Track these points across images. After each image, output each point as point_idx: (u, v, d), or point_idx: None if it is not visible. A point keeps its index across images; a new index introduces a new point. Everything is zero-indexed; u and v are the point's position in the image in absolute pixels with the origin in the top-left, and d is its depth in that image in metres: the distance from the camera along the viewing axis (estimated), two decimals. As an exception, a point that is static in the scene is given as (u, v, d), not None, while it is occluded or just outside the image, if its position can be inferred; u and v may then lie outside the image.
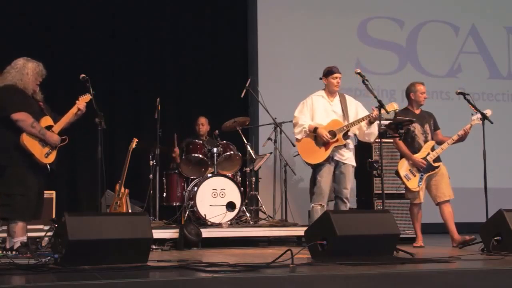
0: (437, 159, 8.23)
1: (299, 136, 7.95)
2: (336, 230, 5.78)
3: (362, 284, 4.80)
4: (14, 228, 6.40)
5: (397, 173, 8.31)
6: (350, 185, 7.99)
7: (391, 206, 8.44)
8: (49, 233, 6.79)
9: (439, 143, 8.30)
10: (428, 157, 8.15)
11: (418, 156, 8.16)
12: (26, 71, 6.57)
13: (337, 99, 8.12)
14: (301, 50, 11.49)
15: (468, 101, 8.15)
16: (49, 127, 6.63)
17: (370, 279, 4.85)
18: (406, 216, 8.86)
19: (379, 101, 7.54)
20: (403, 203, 8.95)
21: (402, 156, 8.32)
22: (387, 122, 8.81)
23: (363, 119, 7.84)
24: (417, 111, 8.42)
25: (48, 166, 6.60)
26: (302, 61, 11.39)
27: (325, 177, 7.85)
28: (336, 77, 8.08)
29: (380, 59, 12.00)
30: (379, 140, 7.98)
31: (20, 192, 6.38)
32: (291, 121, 9.79)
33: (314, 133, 7.83)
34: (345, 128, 7.85)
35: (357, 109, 8.07)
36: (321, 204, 7.80)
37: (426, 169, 8.15)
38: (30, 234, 6.97)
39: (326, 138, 7.75)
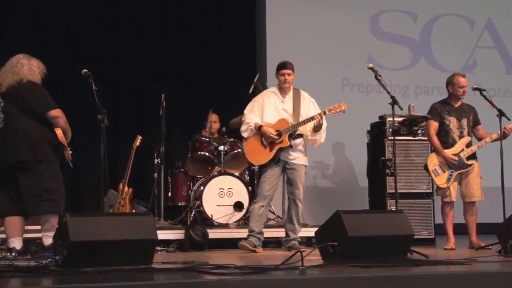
0: (472, 157, 8.13)
1: (245, 135, 7.87)
2: (347, 231, 5.75)
3: (375, 287, 4.78)
4: (52, 222, 6.59)
5: (425, 167, 8.27)
6: (302, 185, 7.92)
7: (404, 206, 8.39)
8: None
9: (480, 139, 8.23)
10: (461, 154, 8.07)
11: (450, 152, 8.10)
12: (35, 69, 6.74)
13: (289, 96, 7.95)
14: (311, 44, 11.45)
15: (485, 97, 8.09)
16: None
17: (382, 282, 4.83)
18: (420, 216, 8.88)
19: (392, 97, 7.52)
20: (417, 203, 8.95)
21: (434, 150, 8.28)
22: (400, 119, 8.80)
23: (309, 119, 7.69)
24: (456, 104, 8.32)
25: (70, 163, 6.83)
26: (312, 56, 11.37)
27: (269, 179, 7.79)
28: (284, 74, 7.89)
29: (393, 54, 11.95)
30: (392, 137, 7.95)
31: (57, 186, 6.66)
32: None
33: (258, 131, 7.76)
34: (290, 129, 7.73)
35: (309, 109, 7.90)
36: (262, 205, 7.77)
37: (458, 166, 8.06)
38: (30, 235, 7.00)
39: (272, 136, 7.66)
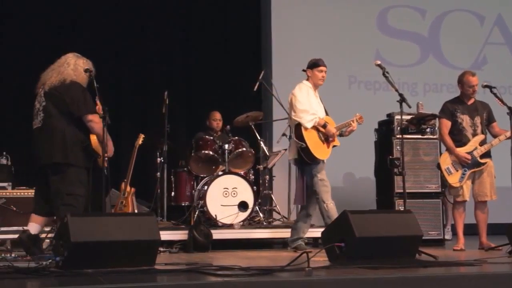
0: (485, 155, 8.11)
1: (309, 125, 7.72)
2: (354, 231, 5.74)
3: (382, 289, 4.78)
4: None
5: (438, 166, 8.26)
6: None
7: (413, 206, 8.35)
8: (51, 235, 6.79)
9: (495, 136, 8.19)
10: (474, 152, 8.04)
11: (463, 150, 8.08)
12: (80, 69, 6.76)
13: (317, 95, 8.07)
14: (317, 41, 11.42)
15: (495, 94, 8.05)
16: None
17: (390, 283, 4.83)
18: (429, 217, 8.86)
19: (400, 95, 7.48)
20: (426, 203, 8.94)
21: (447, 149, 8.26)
22: (408, 117, 8.78)
23: (352, 121, 8.00)
24: (469, 102, 8.29)
25: (105, 170, 6.77)
26: (319, 53, 11.14)
27: (325, 175, 7.78)
28: (322, 70, 8.01)
29: (401, 51, 11.94)
30: (401, 136, 7.93)
31: (82, 193, 6.68)
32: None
33: (323, 128, 7.75)
34: (342, 127, 7.96)
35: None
36: (333, 202, 7.77)
37: (471, 165, 8.04)
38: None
39: (334, 137, 7.77)
